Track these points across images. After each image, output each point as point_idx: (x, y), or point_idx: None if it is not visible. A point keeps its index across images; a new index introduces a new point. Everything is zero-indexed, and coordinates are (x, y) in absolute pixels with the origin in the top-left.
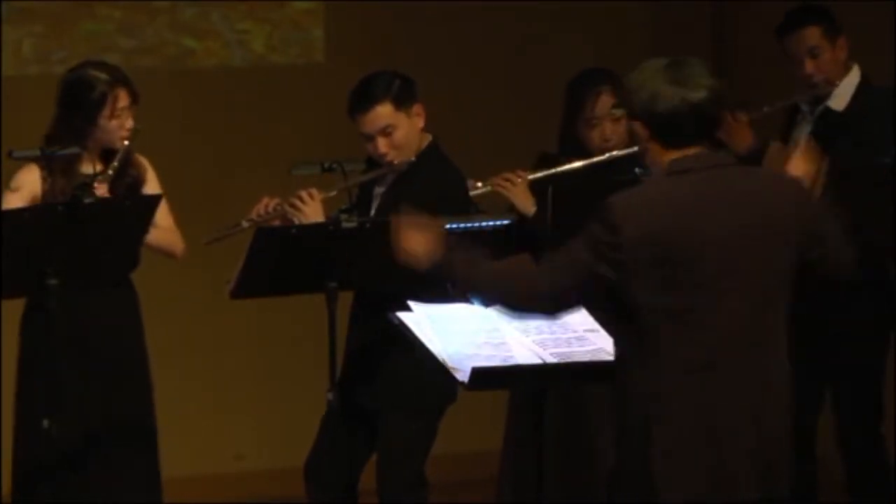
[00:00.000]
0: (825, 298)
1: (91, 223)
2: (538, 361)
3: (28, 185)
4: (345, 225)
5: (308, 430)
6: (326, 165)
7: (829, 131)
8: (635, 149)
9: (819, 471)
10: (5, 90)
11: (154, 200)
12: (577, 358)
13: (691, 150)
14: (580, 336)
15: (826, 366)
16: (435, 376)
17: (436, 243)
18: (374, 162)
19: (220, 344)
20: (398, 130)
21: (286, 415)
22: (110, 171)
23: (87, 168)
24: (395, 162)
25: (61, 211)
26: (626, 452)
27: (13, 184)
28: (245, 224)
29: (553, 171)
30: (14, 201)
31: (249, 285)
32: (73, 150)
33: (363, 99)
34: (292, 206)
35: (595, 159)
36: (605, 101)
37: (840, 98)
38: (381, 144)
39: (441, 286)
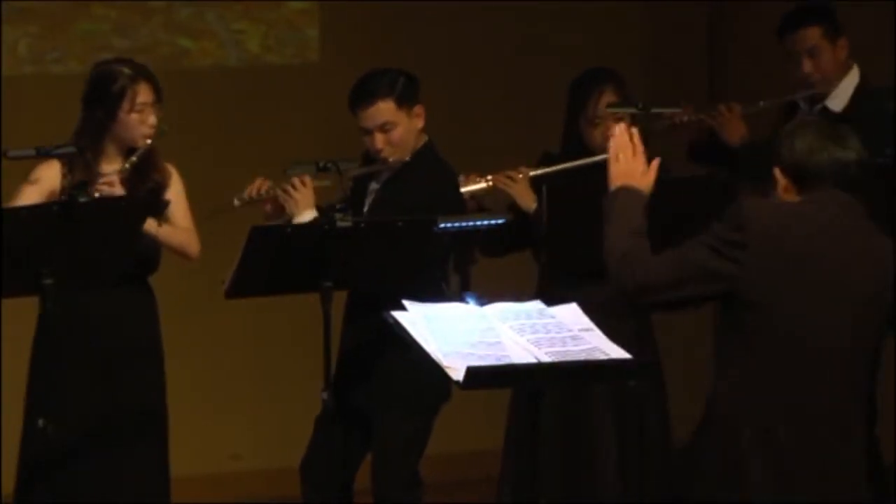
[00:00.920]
0: None
1: (87, 223)
2: (533, 361)
3: (47, 179)
4: (340, 224)
5: (303, 429)
6: (321, 165)
7: None
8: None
9: None
10: (2, 90)
11: (151, 201)
12: (572, 357)
13: (823, 189)
14: (575, 335)
15: None
16: (429, 375)
17: (639, 171)
18: (369, 160)
19: (215, 344)
20: (397, 128)
21: (281, 415)
22: (127, 166)
23: (110, 166)
24: (391, 160)
25: (57, 210)
26: (713, 447)
27: (32, 176)
28: (236, 202)
29: (555, 168)
30: (31, 194)
31: (244, 285)
32: (69, 148)
33: (366, 93)
34: (284, 191)
35: (597, 158)
36: (607, 101)
37: (839, 98)
38: (379, 140)
39: (437, 286)
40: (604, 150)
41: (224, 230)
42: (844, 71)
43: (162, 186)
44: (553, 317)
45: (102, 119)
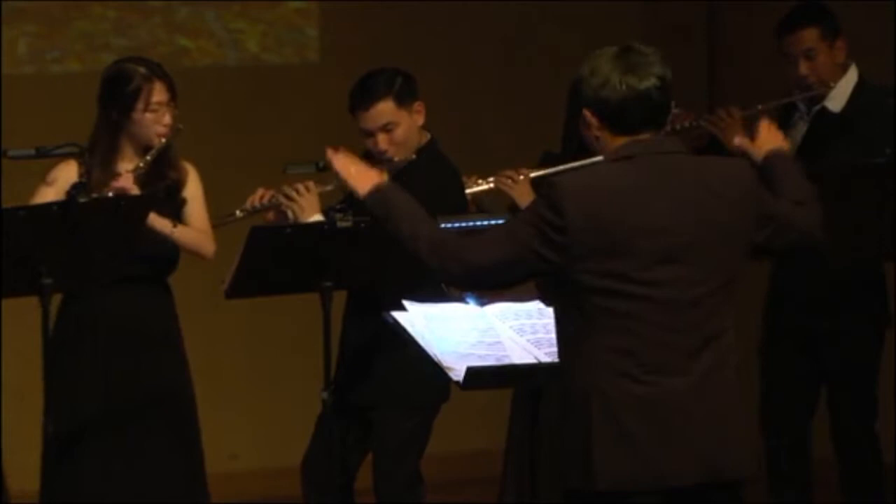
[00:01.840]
0: (820, 298)
1: (86, 222)
2: (532, 361)
3: (63, 180)
4: (339, 224)
5: (302, 429)
6: (321, 165)
7: (826, 132)
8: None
9: (814, 471)
10: (2, 90)
11: (148, 200)
12: None
13: (640, 137)
14: None
15: (821, 366)
16: (429, 374)
17: (376, 176)
18: (369, 159)
19: (214, 343)
20: (399, 127)
21: (281, 414)
22: (141, 165)
23: (126, 165)
24: (396, 159)
25: (56, 210)
26: (567, 433)
27: (49, 177)
28: (239, 214)
29: (555, 169)
30: (48, 195)
31: (244, 285)
32: (70, 148)
33: (365, 95)
34: (288, 197)
35: (597, 158)
36: None
37: (837, 99)
38: (382, 141)
39: (437, 285)
40: None
41: (224, 231)
42: (842, 71)
43: (179, 184)
44: (552, 317)
45: (117, 119)
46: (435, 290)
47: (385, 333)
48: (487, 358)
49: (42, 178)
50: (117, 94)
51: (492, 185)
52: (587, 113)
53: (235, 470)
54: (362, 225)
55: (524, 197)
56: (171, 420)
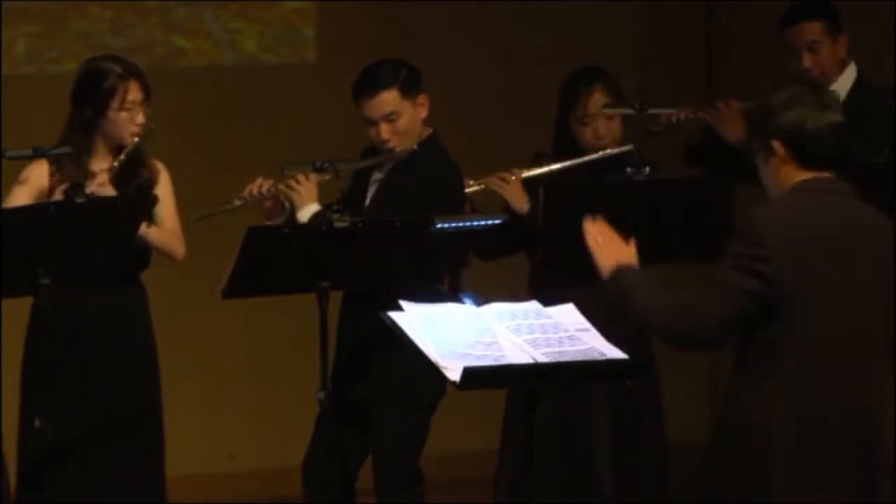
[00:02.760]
0: None
1: (83, 222)
2: (530, 361)
3: (35, 178)
4: (336, 224)
5: (300, 429)
6: (318, 165)
7: None
8: (629, 147)
9: None
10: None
11: (146, 200)
12: (569, 357)
13: (823, 175)
14: (572, 335)
15: None
16: (426, 373)
17: (623, 253)
18: (368, 155)
19: (212, 344)
20: (402, 118)
21: (278, 414)
22: (115, 164)
23: (99, 164)
24: (397, 150)
25: (53, 210)
26: (739, 455)
27: (21, 176)
28: (237, 202)
29: (546, 169)
30: (21, 193)
31: (241, 285)
32: (66, 148)
33: (370, 84)
34: (288, 186)
35: (588, 157)
36: (597, 100)
37: None
38: (384, 130)
39: (432, 285)
40: (595, 148)
41: (221, 230)
42: (842, 67)
43: (150, 184)
44: (550, 317)
45: (91, 117)
46: (432, 290)
47: (382, 333)
48: (484, 358)
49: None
50: (92, 92)
51: (483, 186)
52: (776, 143)
53: (234, 470)
54: (359, 225)
55: (516, 197)
56: (139, 430)
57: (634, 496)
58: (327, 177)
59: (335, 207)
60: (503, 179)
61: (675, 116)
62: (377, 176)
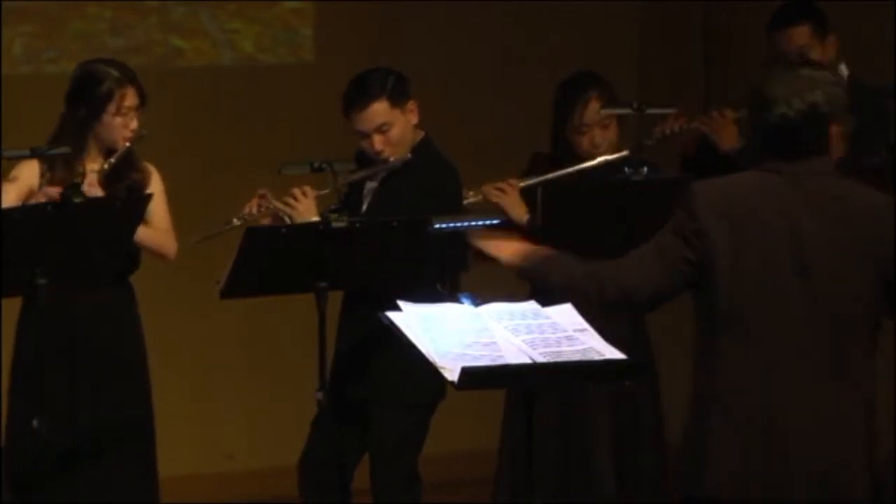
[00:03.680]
0: None
1: (80, 223)
2: (528, 361)
3: (25, 178)
4: (335, 225)
5: (298, 429)
6: (316, 165)
7: None
8: (625, 153)
9: None
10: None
11: (143, 200)
12: (567, 358)
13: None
14: (570, 336)
15: None
16: (425, 373)
17: (521, 247)
18: (363, 159)
19: (210, 343)
20: (394, 127)
21: (276, 414)
22: (105, 167)
23: (89, 165)
24: (392, 159)
25: (51, 210)
26: (686, 441)
27: (11, 174)
28: (236, 222)
29: (544, 178)
30: (10, 192)
31: (239, 285)
32: (64, 149)
33: (359, 97)
34: (286, 203)
35: (585, 165)
36: (593, 108)
37: None
38: (377, 142)
39: (431, 286)
40: (592, 155)
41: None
42: (833, 68)
43: (140, 186)
44: (548, 317)
45: (85, 119)
46: (430, 291)
47: (380, 333)
48: (482, 358)
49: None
50: (88, 95)
51: (481, 197)
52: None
53: (231, 470)
54: (357, 225)
55: (515, 207)
56: (129, 431)
57: (634, 496)
58: (326, 190)
59: (333, 207)
60: (501, 190)
61: (670, 128)
62: (372, 184)
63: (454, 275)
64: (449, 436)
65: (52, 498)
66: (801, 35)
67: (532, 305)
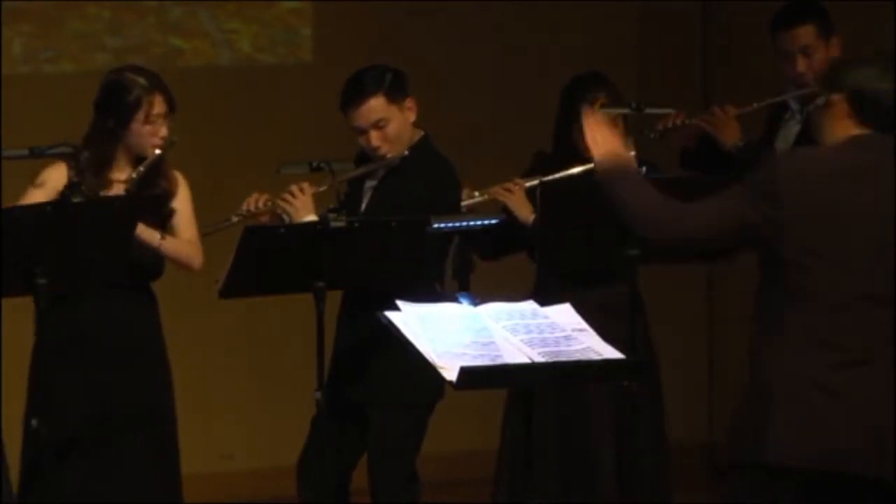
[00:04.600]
0: None
1: (80, 223)
2: (526, 361)
3: (53, 182)
4: (333, 224)
5: (296, 429)
6: (315, 165)
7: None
8: (631, 154)
9: None
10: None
11: (140, 200)
12: (566, 357)
13: (872, 132)
14: (568, 335)
15: None
16: (424, 372)
17: (618, 145)
18: (362, 160)
19: (208, 343)
20: (391, 124)
21: (274, 414)
22: (134, 175)
23: (118, 174)
24: (389, 156)
25: (50, 210)
26: (745, 408)
27: (38, 179)
28: (234, 219)
29: (549, 178)
30: (37, 197)
31: (238, 285)
32: (64, 148)
33: (355, 93)
34: (283, 200)
35: (590, 166)
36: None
37: None
38: (374, 138)
39: (430, 286)
40: None
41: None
42: None
43: (169, 194)
44: (546, 317)
45: (114, 128)
46: (428, 290)
47: (379, 333)
48: (481, 358)
49: (31, 181)
50: (116, 104)
51: (486, 197)
52: (839, 97)
53: (229, 470)
54: (356, 225)
55: (521, 207)
56: (151, 431)
57: (635, 496)
58: (323, 187)
59: (332, 207)
60: (507, 189)
61: (672, 122)
62: (371, 183)
63: (464, 278)
64: (449, 436)
65: (68, 498)
66: (805, 35)
67: (531, 305)
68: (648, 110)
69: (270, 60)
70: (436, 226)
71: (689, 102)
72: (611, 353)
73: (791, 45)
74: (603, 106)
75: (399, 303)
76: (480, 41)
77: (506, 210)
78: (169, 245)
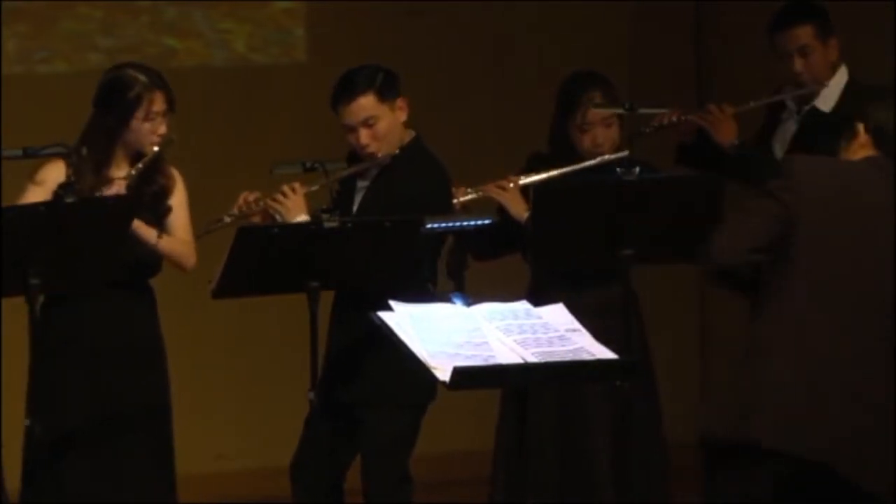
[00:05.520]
0: None
1: (73, 222)
2: (519, 361)
3: (52, 180)
4: (326, 224)
5: (289, 429)
6: (308, 165)
7: (816, 131)
8: (625, 153)
9: None
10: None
11: (134, 201)
12: (559, 357)
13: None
14: (562, 336)
15: None
16: (417, 373)
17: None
18: (354, 159)
19: (201, 343)
20: (381, 122)
21: (267, 415)
22: (133, 172)
23: (116, 171)
24: (379, 155)
25: (43, 210)
26: (736, 391)
27: (38, 177)
28: (227, 219)
29: (544, 176)
30: (37, 195)
31: (231, 285)
32: (58, 148)
33: (346, 90)
34: (275, 200)
35: (586, 164)
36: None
37: (827, 99)
38: (364, 136)
39: (423, 286)
40: (594, 154)
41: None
42: (833, 70)
43: (166, 191)
44: (539, 317)
45: (113, 125)
46: (421, 291)
47: (372, 333)
48: (474, 358)
49: (30, 179)
50: (116, 101)
51: (480, 194)
52: (862, 126)
53: (223, 470)
54: (349, 225)
55: (516, 205)
56: (150, 431)
57: (633, 496)
58: (315, 187)
59: (325, 207)
60: (501, 187)
61: (667, 118)
62: (363, 183)
63: (460, 278)
64: (444, 436)
65: (68, 498)
66: (803, 35)
67: (524, 305)
68: (642, 110)
69: (264, 60)
70: (429, 226)
71: (683, 103)
72: (603, 353)
73: (788, 45)
74: (597, 105)
75: (392, 303)
76: (473, 41)
77: (500, 208)
78: (165, 244)
